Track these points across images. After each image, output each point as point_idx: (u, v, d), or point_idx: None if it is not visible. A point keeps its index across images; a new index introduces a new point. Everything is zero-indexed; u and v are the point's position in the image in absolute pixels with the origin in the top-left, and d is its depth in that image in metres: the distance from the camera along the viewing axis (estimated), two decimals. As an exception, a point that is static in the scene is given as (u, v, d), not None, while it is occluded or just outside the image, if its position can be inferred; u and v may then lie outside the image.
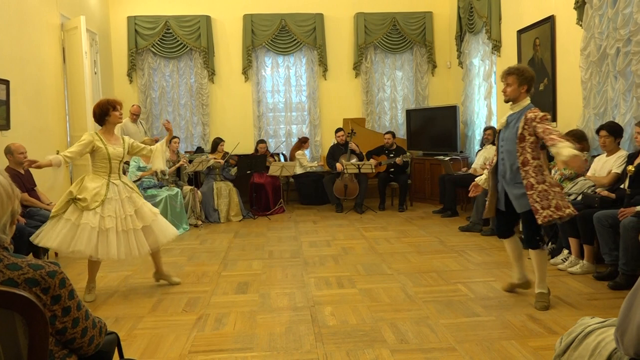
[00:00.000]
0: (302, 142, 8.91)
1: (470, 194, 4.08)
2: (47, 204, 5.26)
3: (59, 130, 6.91)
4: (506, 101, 3.72)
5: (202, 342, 3.24)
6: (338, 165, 8.02)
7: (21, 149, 5.06)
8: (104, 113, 4.14)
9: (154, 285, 4.45)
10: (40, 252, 4.75)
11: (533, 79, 3.65)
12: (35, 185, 5.30)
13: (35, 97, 6.20)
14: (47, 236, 3.89)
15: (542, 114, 3.52)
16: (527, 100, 3.65)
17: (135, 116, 8.05)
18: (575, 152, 3.18)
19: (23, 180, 5.04)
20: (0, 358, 1.43)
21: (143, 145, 4.43)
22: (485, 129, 7.35)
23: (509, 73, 3.65)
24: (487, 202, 3.94)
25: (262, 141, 8.59)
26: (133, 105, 8.14)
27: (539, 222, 3.51)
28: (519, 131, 3.56)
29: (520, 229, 3.82)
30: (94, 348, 1.70)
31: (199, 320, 3.60)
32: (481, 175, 4.04)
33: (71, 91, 7.11)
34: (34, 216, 4.93)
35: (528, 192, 3.54)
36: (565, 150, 3.19)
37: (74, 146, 4.08)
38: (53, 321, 1.55)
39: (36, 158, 3.95)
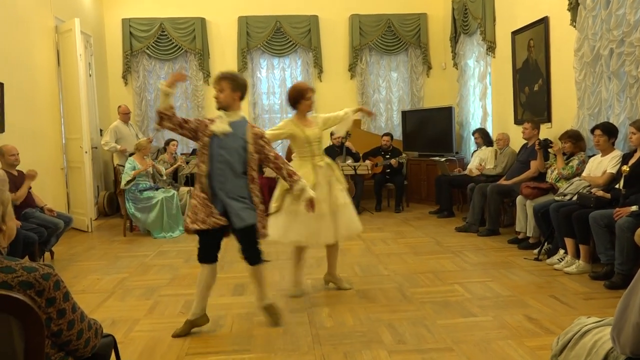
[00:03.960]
0: None
1: None
2: (43, 206, 5.24)
3: (54, 132, 6.89)
4: (219, 108, 3.32)
5: (199, 344, 3.23)
6: None
7: (13, 151, 5.04)
8: (300, 96, 3.92)
9: (150, 287, 4.43)
10: (36, 255, 4.72)
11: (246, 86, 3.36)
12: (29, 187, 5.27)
13: (29, 100, 6.18)
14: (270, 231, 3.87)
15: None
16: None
17: (125, 116, 7.87)
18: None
19: (15, 181, 5.01)
20: (-5, 362, 1.42)
21: (334, 115, 4.14)
22: (474, 132, 7.47)
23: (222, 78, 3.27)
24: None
25: None
26: (120, 106, 7.98)
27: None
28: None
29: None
30: (90, 350, 1.70)
31: (196, 322, 3.58)
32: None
33: (66, 94, 7.09)
34: (30, 218, 4.90)
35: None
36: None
37: (270, 130, 3.88)
38: (48, 324, 1.54)
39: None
